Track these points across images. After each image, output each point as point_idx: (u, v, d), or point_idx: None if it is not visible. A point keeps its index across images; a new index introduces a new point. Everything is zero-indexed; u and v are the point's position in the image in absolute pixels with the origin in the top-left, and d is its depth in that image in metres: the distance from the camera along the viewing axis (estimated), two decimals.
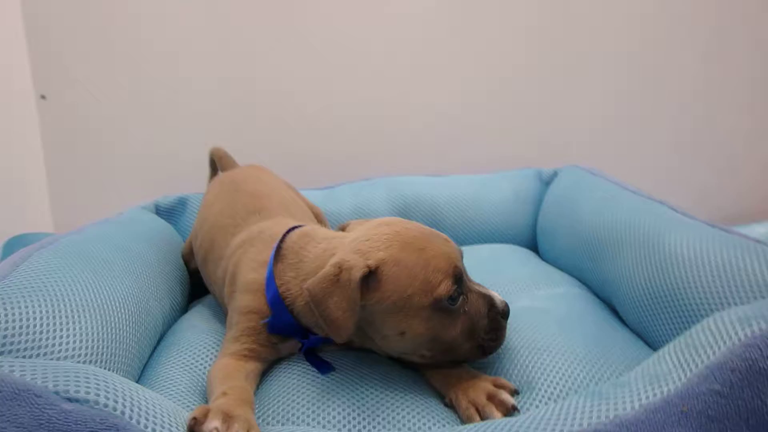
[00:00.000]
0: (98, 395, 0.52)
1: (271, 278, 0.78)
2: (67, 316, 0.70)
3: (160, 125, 1.63)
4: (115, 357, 0.73)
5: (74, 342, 0.68)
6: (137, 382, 0.80)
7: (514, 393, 0.70)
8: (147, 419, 0.53)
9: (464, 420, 0.68)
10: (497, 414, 0.66)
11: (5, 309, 0.64)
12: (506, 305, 0.74)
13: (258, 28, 1.59)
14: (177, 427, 0.55)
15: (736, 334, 0.57)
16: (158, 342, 0.94)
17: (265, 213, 0.99)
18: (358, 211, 1.31)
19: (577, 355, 0.77)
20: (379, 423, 0.68)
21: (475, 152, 1.70)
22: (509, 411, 0.66)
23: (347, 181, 1.46)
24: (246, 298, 0.81)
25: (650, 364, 0.63)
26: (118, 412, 0.52)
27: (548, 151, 1.70)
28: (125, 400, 0.54)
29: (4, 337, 0.62)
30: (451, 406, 0.71)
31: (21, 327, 0.64)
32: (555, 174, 1.37)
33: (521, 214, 1.34)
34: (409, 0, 1.60)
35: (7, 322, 0.63)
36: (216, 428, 0.54)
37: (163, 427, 0.54)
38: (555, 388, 0.72)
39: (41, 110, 1.58)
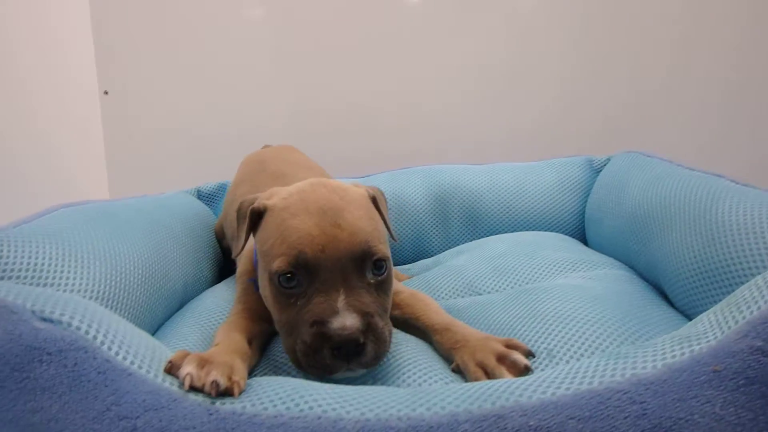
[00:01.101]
0: (72, 318, 0.51)
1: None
2: (75, 260, 0.70)
3: (210, 118, 1.68)
4: (119, 305, 0.72)
5: (78, 282, 0.68)
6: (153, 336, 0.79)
7: (529, 355, 0.63)
8: (120, 347, 0.51)
9: None
10: (508, 376, 0.59)
11: (15, 246, 0.65)
12: (345, 337, 0.57)
13: (314, 31, 1.62)
14: (151, 361, 0.52)
15: None
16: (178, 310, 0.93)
17: None
18: (394, 198, 1.27)
19: (608, 327, 0.69)
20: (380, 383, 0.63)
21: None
22: (521, 373, 0.59)
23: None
24: (241, 263, 0.84)
25: (684, 327, 0.55)
26: (90, 336, 0.50)
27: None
28: (100, 327, 0.52)
29: (4, 270, 0.63)
30: (458, 372, 0.65)
31: (27, 263, 0.65)
32: (607, 161, 1.27)
33: (567, 203, 1.25)
34: None
35: (14, 257, 0.64)
36: (189, 374, 0.51)
37: (135, 357, 0.51)
38: (576, 355, 0.64)
39: (103, 104, 1.67)
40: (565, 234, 1.20)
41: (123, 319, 0.57)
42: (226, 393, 0.51)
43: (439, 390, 0.52)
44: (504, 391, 0.50)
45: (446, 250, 1.23)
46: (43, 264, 0.67)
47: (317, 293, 0.61)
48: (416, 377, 0.64)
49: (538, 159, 1.36)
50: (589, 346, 0.66)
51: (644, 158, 1.10)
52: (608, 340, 0.67)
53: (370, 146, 1.70)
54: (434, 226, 1.28)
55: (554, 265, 0.93)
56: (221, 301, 0.90)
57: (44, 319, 0.50)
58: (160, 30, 1.65)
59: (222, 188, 1.37)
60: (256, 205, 0.71)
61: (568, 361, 0.64)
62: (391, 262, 0.68)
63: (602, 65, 1.68)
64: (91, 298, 0.68)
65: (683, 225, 0.81)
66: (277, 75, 1.67)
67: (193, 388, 0.50)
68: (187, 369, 0.51)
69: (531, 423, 0.47)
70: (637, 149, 1.16)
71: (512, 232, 1.22)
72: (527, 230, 1.22)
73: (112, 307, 0.71)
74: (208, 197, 1.36)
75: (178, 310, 0.93)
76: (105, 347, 0.50)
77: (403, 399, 0.51)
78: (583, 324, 0.69)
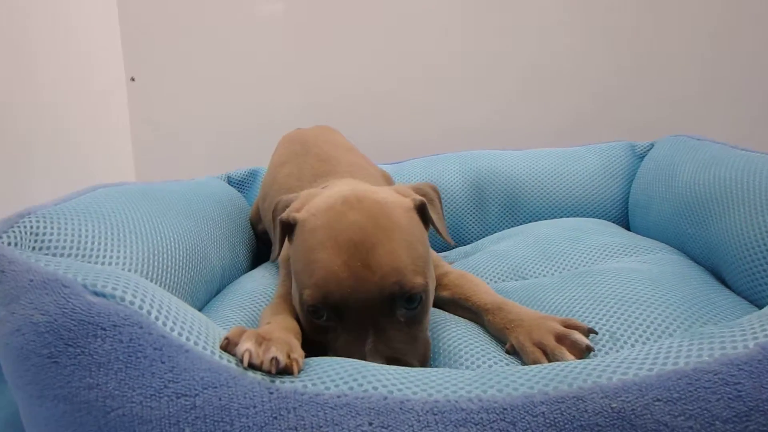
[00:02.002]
0: (125, 293, 0.49)
1: None
2: (117, 237, 0.68)
3: (235, 105, 1.67)
4: (163, 285, 0.70)
5: (123, 260, 0.66)
6: None
7: (590, 334, 0.60)
8: (175, 323, 0.49)
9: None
10: (569, 357, 0.56)
11: (57, 223, 0.63)
12: None
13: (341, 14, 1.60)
14: (206, 338, 0.50)
15: None
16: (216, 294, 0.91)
17: (331, 177, 0.96)
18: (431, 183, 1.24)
19: (674, 310, 0.65)
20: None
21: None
22: (583, 354, 0.56)
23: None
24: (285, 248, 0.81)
25: None
26: (144, 311, 0.48)
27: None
28: (153, 302, 0.50)
29: (48, 247, 0.61)
30: (513, 353, 0.62)
31: (69, 240, 0.63)
32: (651, 146, 1.23)
33: (610, 188, 1.21)
34: None
35: (57, 234, 0.62)
36: (248, 350, 0.49)
37: (191, 334, 0.49)
38: (641, 338, 0.61)
39: (130, 91, 1.66)
40: (608, 220, 1.16)
41: (173, 296, 0.55)
42: (285, 371, 0.49)
43: (509, 371, 0.49)
44: (581, 372, 0.47)
45: (484, 237, 1.20)
46: (86, 241, 0.65)
47: (345, 332, 0.59)
48: (471, 358, 0.61)
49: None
50: (656, 329, 0.62)
51: (694, 141, 1.05)
52: (675, 323, 0.63)
53: (402, 131, 1.67)
54: (472, 213, 1.25)
55: (604, 249, 0.90)
56: (260, 285, 0.88)
57: (97, 293, 0.48)
58: (187, 16, 1.64)
59: (252, 174, 1.35)
60: (285, 216, 0.68)
61: (633, 345, 0.61)
62: (430, 286, 0.64)
63: (637, 61, 1.63)
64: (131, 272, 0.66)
65: (747, 206, 0.77)
66: (304, 60, 1.65)
67: (251, 366, 0.48)
68: (246, 345, 0.49)
69: (614, 405, 0.44)
70: None
71: (552, 218, 1.18)
72: (568, 217, 1.18)
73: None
74: (239, 183, 1.34)
75: (217, 294, 0.91)
76: (160, 323, 0.48)
77: (473, 380, 0.49)
78: (647, 307, 0.66)
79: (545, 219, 1.18)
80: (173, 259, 0.75)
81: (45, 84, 1.37)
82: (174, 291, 0.73)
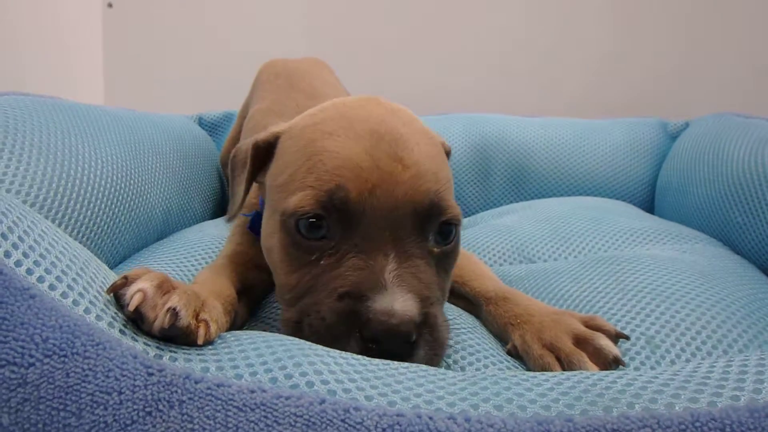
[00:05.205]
0: None
1: None
2: (10, 149, 0.52)
3: (219, 40, 1.51)
4: (65, 217, 0.54)
5: (9, 176, 0.50)
6: (114, 268, 0.61)
7: (618, 340, 0.45)
8: (28, 255, 0.32)
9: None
10: (591, 367, 0.40)
11: None
12: (391, 328, 0.38)
13: None
14: (74, 281, 0.33)
15: None
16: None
17: None
18: None
19: (733, 312, 0.50)
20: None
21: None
22: (610, 367, 0.41)
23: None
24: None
25: None
26: None
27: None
28: (2, 221, 0.33)
29: None
30: (516, 356, 0.46)
31: None
32: (686, 126, 1.06)
33: (636, 168, 1.05)
34: None
35: None
36: (143, 290, 0.33)
37: (49, 273, 0.32)
38: (689, 347, 0.45)
39: (106, 17, 1.48)
40: (631, 203, 1.00)
41: (47, 222, 0.38)
42: (184, 336, 0.33)
43: (514, 379, 0.34)
44: (622, 391, 0.31)
45: (485, 211, 1.04)
46: None
47: (354, 253, 0.41)
48: (459, 358, 0.45)
49: None
50: (710, 335, 0.47)
51: (743, 119, 0.89)
52: (737, 329, 0.47)
53: (402, 82, 1.49)
54: (472, 183, 1.08)
55: (633, 234, 0.74)
56: (206, 237, 0.72)
57: None
58: None
59: (228, 118, 1.18)
60: (262, 136, 0.50)
61: (679, 355, 0.45)
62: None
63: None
64: (25, 202, 0.49)
65: None
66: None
67: (137, 317, 0.32)
68: (142, 285, 0.33)
69: None
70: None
71: (565, 196, 1.02)
72: (585, 195, 1.02)
73: (53, 219, 0.52)
74: (211, 126, 1.17)
75: (155, 242, 0.74)
76: (1, 250, 0.31)
77: (460, 387, 0.33)
78: (696, 306, 0.50)
79: (557, 196, 1.02)
80: (89, 188, 0.59)
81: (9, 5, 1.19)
82: (83, 228, 0.56)
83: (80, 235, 0.56)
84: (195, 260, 0.64)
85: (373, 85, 1.45)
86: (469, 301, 0.57)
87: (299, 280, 0.43)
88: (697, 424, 0.28)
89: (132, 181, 0.68)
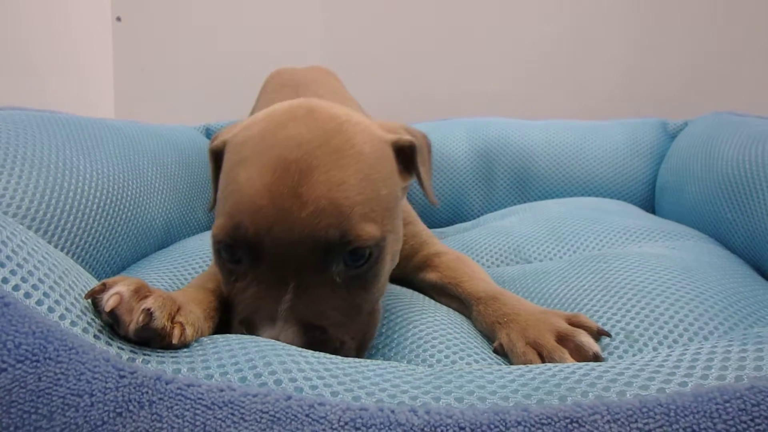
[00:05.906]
0: None
1: None
2: (1, 163, 0.54)
3: (226, 53, 1.54)
4: (60, 226, 0.56)
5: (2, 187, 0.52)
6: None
7: (600, 336, 0.45)
8: (5, 263, 0.34)
9: None
10: (571, 362, 0.41)
11: None
12: None
13: None
14: (50, 289, 0.35)
15: None
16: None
17: None
18: (433, 152, 1.08)
19: (711, 305, 0.50)
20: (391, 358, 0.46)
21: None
22: (589, 361, 0.41)
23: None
24: None
25: None
26: None
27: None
28: None
29: None
30: (502, 354, 0.47)
31: None
32: (685, 125, 1.06)
33: (636, 168, 1.05)
34: None
35: None
36: (119, 293, 0.35)
37: (26, 281, 0.34)
38: (666, 339, 0.46)
39: (115, 31, 1.52)
40: (632, 203, 1.00)
41: (29, 232, 0.40)
42: (159, 338, 0.35)
43: (478, 372, 0.35)
44: (580, 381, 0.32)
45: (488, 213, 1.05)
46: None
47: (257, 282, 0.44)
48: (442, 357, 0.46)
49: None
50: (686, 328, 0.47)
51: (737, 117, 0.89)
52: (713, 322, 0.48)
53: (407, 90, 1.50)
54: (476, 186, 1.09)
55: (626, 232, 0.74)
56: (208, 246, 0.73)
57: None
58: None
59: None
60: (214, 143, 0.54)
61: (656, 348, 0.46)
62: (387, 244, 0.47)
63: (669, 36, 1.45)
64: (15, 216, 0.52)
65: None
66: (304, 7, 1.49)
67: (112, 319, 0.34)
68: (118, 288, 0.35)
69: None
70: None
71: (567, 197, 1.02)
72: (587, 196, 1.02)
73: (45, 231, 0.54)
74: None
75: (155, 253, 0.77)
76: None
77: (424, 381, 0.34)
78: (675, 300, 0.50)
79: (559, 198, 1.03)
80: (84, 200, 0.61)
81: (22, 17, 1.23)
82: (79, 238, 0.59)
83: (74, 246, 0.58)
84: (192, 269, 0.66)
85: (399, 90, 1.47)
86: (460, 301, 0.58)
87: (229, 294, 0.47)
88: (644, 410, 0.29)
89: (129, 193, 0.70)
